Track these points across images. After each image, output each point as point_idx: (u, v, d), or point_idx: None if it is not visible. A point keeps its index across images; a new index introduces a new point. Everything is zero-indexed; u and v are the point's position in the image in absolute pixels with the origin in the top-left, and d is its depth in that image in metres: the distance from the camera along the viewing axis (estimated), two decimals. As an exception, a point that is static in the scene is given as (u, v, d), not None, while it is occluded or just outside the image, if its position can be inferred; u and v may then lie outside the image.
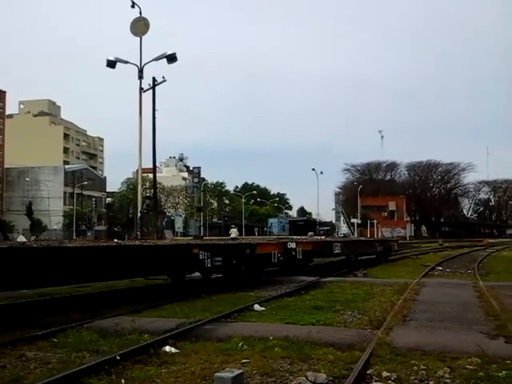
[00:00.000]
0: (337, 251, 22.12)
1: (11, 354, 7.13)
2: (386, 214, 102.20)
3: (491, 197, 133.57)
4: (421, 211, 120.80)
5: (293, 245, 18.03)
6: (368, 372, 6.34)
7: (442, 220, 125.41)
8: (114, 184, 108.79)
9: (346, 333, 8.68)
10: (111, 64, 26.35)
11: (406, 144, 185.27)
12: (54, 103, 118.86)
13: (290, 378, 6.13)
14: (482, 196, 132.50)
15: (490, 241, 74.14)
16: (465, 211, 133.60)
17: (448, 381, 6.07)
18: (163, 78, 27.21)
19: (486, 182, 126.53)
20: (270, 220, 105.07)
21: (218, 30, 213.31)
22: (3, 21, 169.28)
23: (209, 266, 13.85)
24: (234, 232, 38.98)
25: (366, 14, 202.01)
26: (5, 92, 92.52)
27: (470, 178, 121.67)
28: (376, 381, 6.06)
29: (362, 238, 34.20)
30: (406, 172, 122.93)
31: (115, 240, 20.37)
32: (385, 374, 6.24)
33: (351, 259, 26.24)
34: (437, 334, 8.55)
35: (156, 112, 27.55)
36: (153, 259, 12.35)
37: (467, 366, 6.51)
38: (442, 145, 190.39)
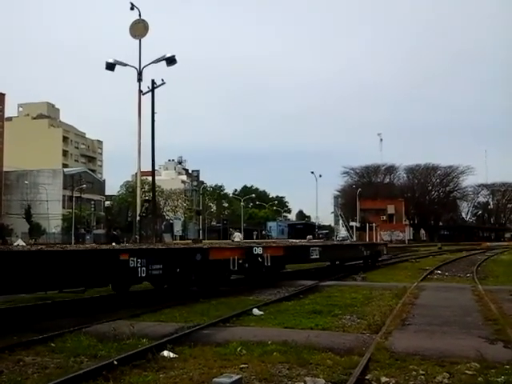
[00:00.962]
0: (314, 256, 19.83)
1: (9, 359, 7.11)
2: (384, 217, 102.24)
3: (490, 200, 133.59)
4: (420, 214, 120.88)
5: (259, 250, 16.05)
6: (367, 377, 6.32)
7: (440, 223, 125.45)
8: (112, 187, 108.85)
9: (345, 337, 8.66)
10: (110, 66, 26.36)
11: (405, 147, 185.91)
12: (53, 106, 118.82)
13: (289, 383, 6.11)
14: (481, 199, 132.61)
15: (489, 244, 74.20)
16: (463, 214, 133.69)
17: (447, 386, 6.06)
18: (162, 80, 27.23)
19: (485, 185, 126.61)
20: (269, 223, 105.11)
21: (217, 32, 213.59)
22: (2, 22, 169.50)
23: (143, 275, 11.66)
24: (237, 236, 39.51)
25: (365, 15, 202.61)
26: (4, 94, 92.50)
27: (468, 181, 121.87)
28: (375, 386, 6.04)
29: (346, 242, 32.10)
30: (404, 175, 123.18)
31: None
32: (383, 379, 6.22)
33: (335, 264, 25.30)
34: (436, 338, 8.54)
35: (155, 115, 27.55)
36: (62, 268, 9.97)
37: (466, 371, 6.50)
38: (441, 148, 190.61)
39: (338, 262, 25.48)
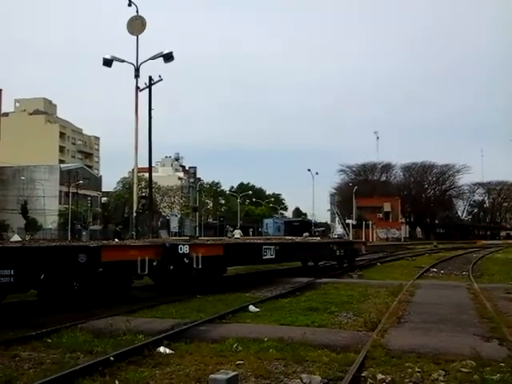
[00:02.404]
0: (268, 256, 17.13)
1: (4, 355, 7.11)
2: (381, 215, 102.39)
3: (485, 198, 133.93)
4: (416, 212, 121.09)
5: (185, 248, 13.50)
6: (363, 374, 6.33)
7: (436, 221, 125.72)
8: (109, 183, 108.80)
9: (341, 334, 8.68)
10: (107, 63, 26.27)
11: (402, 145, 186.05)
12: (49, 102, 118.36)
13: (285, 380, 6.13)
14: (477, 198, 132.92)
15: (484, 242, 74.50)
16: (459, 213, 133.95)
17: (443, 383, 6.08)
18: (159, 77, 27.14)
19: (481, 184, 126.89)
20: (265, 220, 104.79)
21: (215, 30, 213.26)
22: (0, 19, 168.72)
23: None
24: (237, 233, 40.28)
25: (363, 15, 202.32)
26: (0, 90, 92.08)
27: (464, 180, 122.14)
28: (371, 383, 6.05)
29: (313, 240, 28.20)
30: (401, 173, 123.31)
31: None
32: (379, 376, 6.23)
33: (306, 265, 24.14)
34: (431, 336, 8.56)
35: (152, 111, 27.50)
36: None
37: (462, 369, 6.52)
38: (437, 146, 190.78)
39: (313, 262, 24.44)
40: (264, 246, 17.26)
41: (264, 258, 17.01)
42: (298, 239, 30.04)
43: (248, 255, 17.01)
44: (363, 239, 75.81)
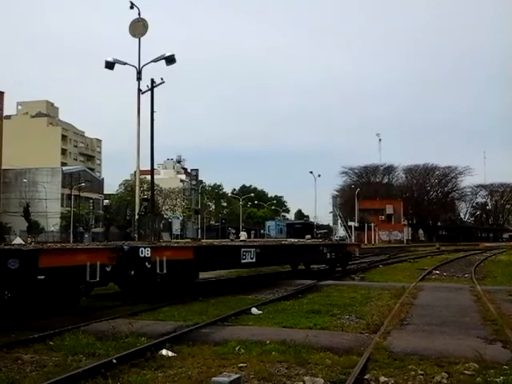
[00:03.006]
0: (248, 260, 15.86)
1: (7, 357, 7.10)
2: (383, 217, 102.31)
3: (488, 200, 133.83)
4: (418, 215, 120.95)
5: (146, 252, 12.01)
6: (365, 377, 6.31)
7: (439, 223, 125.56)
8: (111, 186, 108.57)
9: (344, 337, 8.67)
10: (110, 65, 26.28)
11: (404, 147, 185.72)
12: (52, 104, 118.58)
13: (288, 383, 6.12)
14: (479, 200, 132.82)
15: (487, 244, 74.37)
16: (462, 215, 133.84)
17: (446, 386, 6.06)
18: (161, 79, 27.15)
19: (483, 186, 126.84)
20: (268, 223, 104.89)
21: (216, 32, 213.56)
22: (1, 21, 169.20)
23: None
24: (243, 235, 41.19)
25: (365, 15, 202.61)
26: (3, 93, 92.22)
27: (467, 182, 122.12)
28: (373, 386, 6.04)
29: (299, 242, 25.96)
30: (403, 175, 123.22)
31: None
32: (382, 378, 6.22)
33: (297, 269, 22.99)
34: (434, 338, 8.55)
35: (154, 114, 27.50)
36: None
37: (465, 372, 6.50)
38: (440, 148, 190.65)
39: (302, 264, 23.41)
40: (243, 249, 15.91)
41: (243, 261, 15.70)
42: (299, 241, 28.17)
43: (224, 259, 15.59)
44: (359, 241, 76.25)
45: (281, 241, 27.94)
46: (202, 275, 17.98)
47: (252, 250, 16.26)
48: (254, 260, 16.19)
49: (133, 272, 12.20)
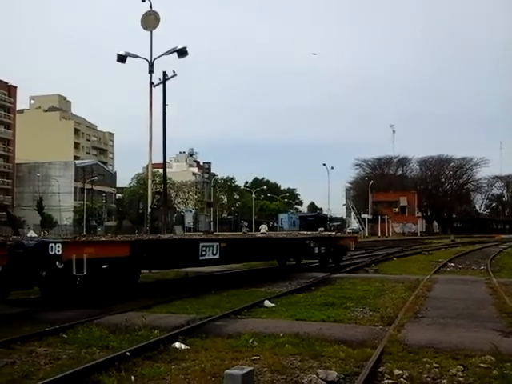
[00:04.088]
0: (209, 256, 13.93)
1: (21, 350, 7.14)
2: (397, 209, 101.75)
3: (504, 192, 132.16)
4: (432, 207, 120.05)
5: (57, 248, 9.94)
6: (379, 370, 6.28)
7: (453, 216, 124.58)
8: (124, 179, 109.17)
9: (357, 329, 8.62)
10: (121, 58, 26.30)
11: (418, 139, 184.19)
12: (64, 98, 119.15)
13: (301, 376, 6.07)
14: (495, 191, 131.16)
15: (503, 236, 73.62)
16: (477, 207, 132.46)
17: (461, 379, 5.99)
18: (174, 72, 27.14)
19: (499, 177, 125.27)
20: (280, 215, 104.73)
21: (227, 25, 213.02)
22: (14, 16, 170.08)
23: None
24: (263, 228, 41.28)
25: (378, 6, 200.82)
26: (15, 87, 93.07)
27: (482, 173, 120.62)
28: (388, 379, 5.99)
29: (279, 235, 23.37)
30: (417, 167, 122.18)
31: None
32: (396, 371, 6.17)
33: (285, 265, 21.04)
34: (449, 331, 8.47)
35: (167, 107, 27.51)
36: None
37: (481, 365, 6.43)
38: (455, 139, 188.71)
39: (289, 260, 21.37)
40: (202, 244, 13.81)
41: (202, 258, 13.67)
42: (277, 234, 25.69)
43: (174, 255, 13.19)
44: (374, 233, 75.86)
45: (254, 234, 25.44)
46: (212, 268, 17.99)
47: (215, 244, 14.19)
48: (217, 256, 14.18)
49: (44, 273, 10.32)
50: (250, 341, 7.57)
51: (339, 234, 27.13)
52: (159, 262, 12.87)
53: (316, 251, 19.58)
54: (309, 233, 26.78)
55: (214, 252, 14.11)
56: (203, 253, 13.71)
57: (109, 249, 11.41)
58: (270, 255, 18.77)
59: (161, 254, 12.76)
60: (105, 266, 10.79)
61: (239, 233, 31.36)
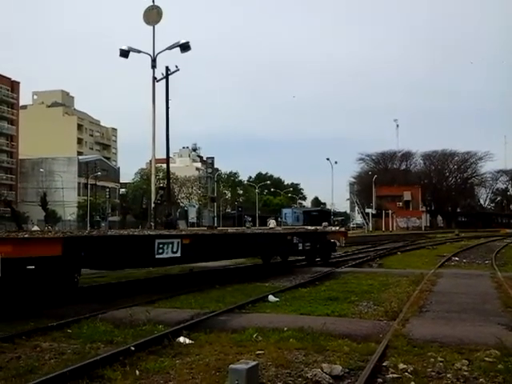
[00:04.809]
0: (167, 255, 12.30)
1: (26, 345, 7.15)
2: (401, 203, 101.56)
3: (509, 186, 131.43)
4: (436, 201, 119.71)
5: None
6: (384, 364, 6.27)
7: (458, 210, 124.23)
8: (127, 175, 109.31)
9: (362, 324, 8.60)
10: (124, 53, 26.30)
11: (422, 133, 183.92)
12: (67, 94, 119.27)
13: (306, 370, 6.06)
14: (500, 185, 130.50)
15: (508, 231, 73.36)
16: (482, 201, 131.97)
17: (466, 373, 5.97)
18: (176, 67, 27.13)
19: (504, 172, 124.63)
20: (284, 210, 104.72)
21: (231, 18, 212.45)
22: (16, 11, 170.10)
23: None
24: (272, 223, 41.26)
25: (383, 2, 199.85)
26: (19, 83, 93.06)
27: (487, 168, 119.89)
28: (392, 373, 5.97)
29: (256, 231, 21.83)
30: (421, 161, 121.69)
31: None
32: (401, 366, 6.15)
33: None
34: (454, 325, 8.44)
35: (170, 102, 27.49)
36: None
37: (486, 359, 6.40)
38: (459, 134, 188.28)
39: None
40: (159, 240, 12.19)
41: (159, 257, 12.07)
42: (253, 229, 23.82)
43: (122, 254, 11.39)
44: (377, 228, 75.68)
45: (224, 230, 21.84)
46: (219, 263, 18.00)
47: (175, 241, 12.59)
48: (177, 254, 12.55)
49: None
50: (255, 335, 7.57)
51: (328, 228, 24.93)
52: (102, 261, 11.29)
53: (300, 247, 18.17)
54: (292, 228, 25.44)
55: (175, 249, 12.50)
56: (160, 250, 12.11)
57: (34, 247, 9.69)
58: (245, 252, 16.91)
59: (104, 252, 11.06)
60: (31, 267, 9.29)
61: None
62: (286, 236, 18.33)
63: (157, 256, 12.04)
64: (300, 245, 18.08)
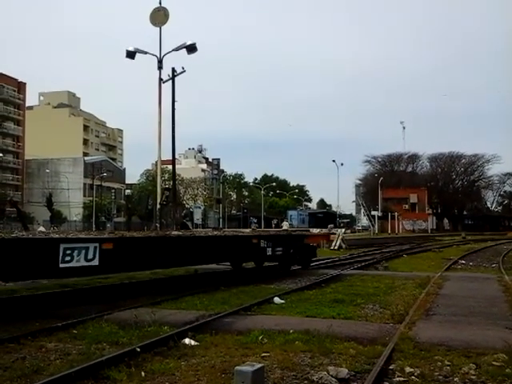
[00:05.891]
0: (78, 263, 9.78)
1: (31, 345, 7.14)
2: (407, 206, 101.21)
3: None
4: (443, 204, 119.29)
5: None
6: (390, 367, 6.23)
7: (464, 213, 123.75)
8: (133, 176, 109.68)
9: (368, 327, 8.55)
10: (130, 55, 26.33)
11: (429, 135, 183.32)
12: (73, 95, 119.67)
13: (311, 373, 6.02)
14: (507, 188, 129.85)
15: (515, 234, 73.00)
16: (489, 204, 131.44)
17: (474, 377, 5.92)
18: (183, 68, 27.15)
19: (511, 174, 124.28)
20: (290, 212, 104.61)
21: (235, 19, 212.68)
22: (24, 13, 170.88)
23: None
24: (285, 225, 41.50)
25: (388, 3, 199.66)
26: (25, 84, 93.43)
27: (494, 170, 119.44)
28: (399, 376, 5.94)
29: (205, 234, 17.58)
30: (428, 164, 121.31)
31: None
32: (408, 369, 6.11)
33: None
34: (461, 328, 8.39)
35: (176, 103, 27.49)
36: None
37: (493, 363, 6.35)
38: (466, 136, 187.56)
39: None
40: (65, 245, 9.66)
41: (65, 266, 9.57)
42: (207, 232, 20.06)
43: (14, 262, 8.98)
44: (385, 230, 75.33)
45: (168, 232, 17.07)
46: (221, 266, 17.94)
47: (91, 245, 10.13)
48: (94, 263, 10.12)
49: None
50: (260, 337, 7.54)
51: (309, 231, 23.25)
52: None
53: (269, 252, 15.97)
54: (260, 230, 23.59)
55: (90, 256, 10.07)
56: (68, 258, 9.64)
57: None
58: (192, 259, 13.86)
59: None
60: None
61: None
62: (251, 239, 16.14)
63: (62, 265, 9.54)
64: (269, 250, 15.95)
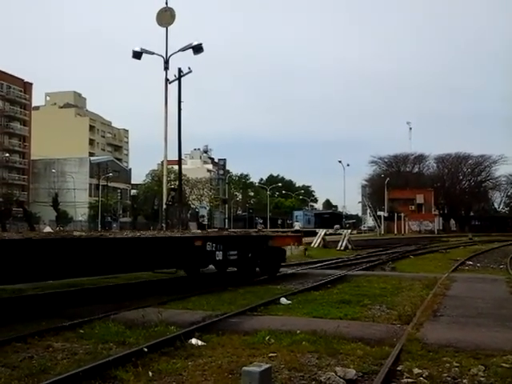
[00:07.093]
0: None
1: (38, 345, 7.15)
2: (413, 207, 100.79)
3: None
4: (449, 204, 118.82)
5: None
6: (398, 368, 6.20)
7: (471, 213, 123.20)
8: (138, 176, 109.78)
9: (375, 327, 8.52)
10: (137, 55, 26.38)
11: (435, 136, 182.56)
12: (79, 95, 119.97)
13: (319, 373, 6.00)
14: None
15: (523, 235, 72.52)
16: (496, 205, 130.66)
17: (482, 379, 5.88)
18: (189, 68, 27.16)
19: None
20: (295, 212, 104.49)
21: (242, 19, 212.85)
22: (29, 14, 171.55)
23: None
24: (297, 225, 41.96)
25: (393, 3, 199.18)
26: (31, 84, 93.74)
27: (501, 171, 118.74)
28: (407, 377, 5.91)
29: (132, 235, 13.62)
30: (434, 164, 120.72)
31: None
32: (416, 370, 6.08)
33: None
34: (469, 330, 8.35)
35: (182, 103, 27.51)
36: None
37: (502, 364, 6.31)
38: (473, 137, 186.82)
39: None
40: None
41: None
42: (140, 234, 15.38)
43: None
44: (390, 231, 75.06)
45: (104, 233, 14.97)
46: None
47: None
48: None
49: None
50: (267, 338, 7.51)
51: (273, 231, 20.38)
52: None
53: (218, 257, 13.76)
54: (209, 231, 21.30)
55: None
56: None
57: None
58: (104, 267, 10.82)
59: None
60: None
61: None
62: (194, 241, 13.33)
63: None
64: (219, 253, 13.68)
